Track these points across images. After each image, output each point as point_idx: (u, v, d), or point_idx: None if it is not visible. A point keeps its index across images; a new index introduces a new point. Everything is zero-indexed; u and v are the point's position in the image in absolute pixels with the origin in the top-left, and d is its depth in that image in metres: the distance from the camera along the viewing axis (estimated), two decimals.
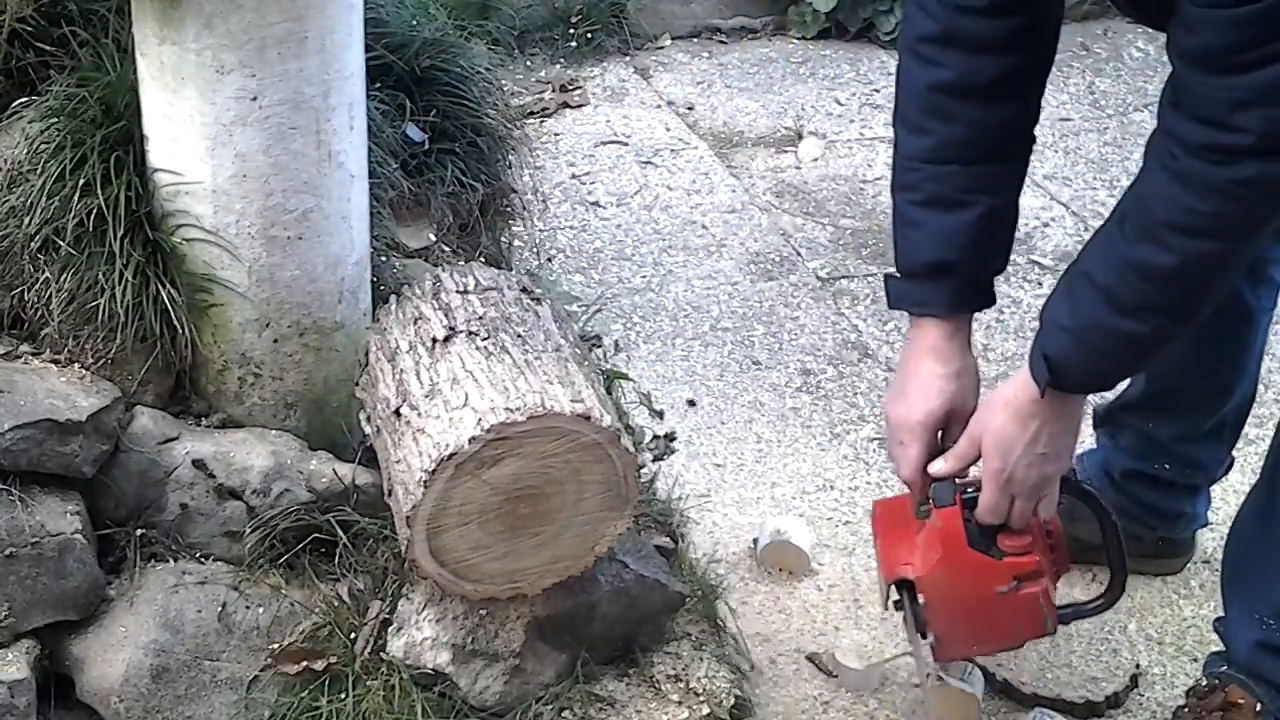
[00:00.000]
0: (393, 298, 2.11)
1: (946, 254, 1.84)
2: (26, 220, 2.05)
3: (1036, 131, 1.91)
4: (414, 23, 2.77)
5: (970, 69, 1.79)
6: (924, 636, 1.96)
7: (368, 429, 2.01)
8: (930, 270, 1.86)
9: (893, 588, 1.99)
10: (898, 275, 1.92)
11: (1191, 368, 2.15)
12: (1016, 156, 1.88)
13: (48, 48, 2.17)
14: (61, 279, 2.04)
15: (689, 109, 4.07)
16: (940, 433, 1.91)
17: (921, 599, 1.93)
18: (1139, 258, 1.63)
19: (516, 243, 3.18)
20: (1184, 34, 1.55)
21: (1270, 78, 1.48)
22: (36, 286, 2.06)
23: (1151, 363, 1.79)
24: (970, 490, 1.88)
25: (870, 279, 3.29)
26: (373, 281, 2.26)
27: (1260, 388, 2.33)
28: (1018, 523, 1.85)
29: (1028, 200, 3.55)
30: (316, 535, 2.09)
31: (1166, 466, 2.28)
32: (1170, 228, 1.59)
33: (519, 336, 1.94)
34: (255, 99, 1.96)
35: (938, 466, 1.89)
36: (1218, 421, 2.26)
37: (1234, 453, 2.35)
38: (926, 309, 1.88)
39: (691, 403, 2.85)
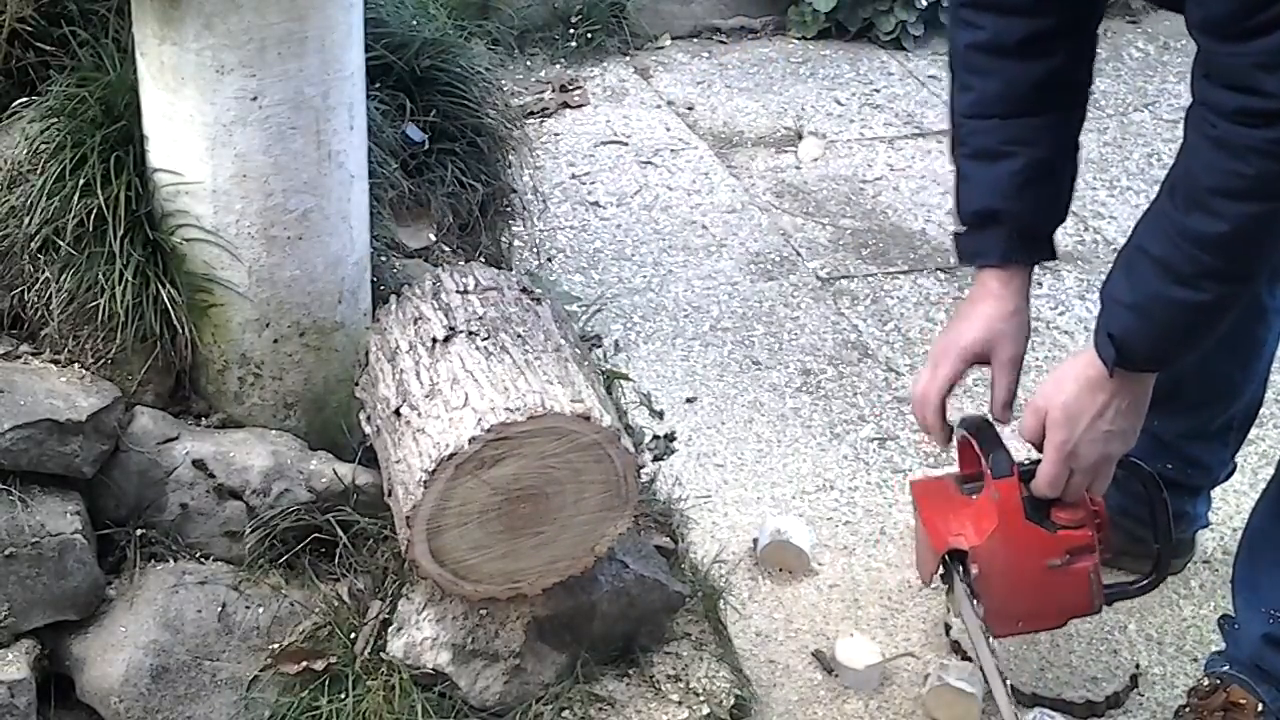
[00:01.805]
0: (393, 298, 2.11)
1: (992, 203, 1.90)
2: (26, 220, 2.04)
3: None
4: (414, 23, 2.77)
5: (1002, 29, 1.85)
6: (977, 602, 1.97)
7: (368, 429, 2.01)
8: (979, 219, 1.92)
9: (942, 561, 2.00)
10: (961, 229, 1.98)
11: (1199, 363, 2.15)
12: (1057, 110, 1.91)
13: (48, 48, 2.16)
14: (61, 279, 2.04)
15: (689, 109, 4.07)
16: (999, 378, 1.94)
17: (975, 569, 1.94)
18: (1191, 227, 1.66)
19: (516, 243, 3.18)
20: (1194, 6, 1.59)
21: None
22: (36, 286, 2.06)
23: (1213, 333, 1.79)
24: (1026, 463, 1.90)
25: (870, 279, 3.29)
26: (373, 281, 2.26)
27: None
28: (1071, 497, 1.88)
29: None
30: (316, 535, 2.08)
31: (1169, 466, 2.27)
32: (1218, 193, 1.62)
33: (519, 336, 1.94)
34: (255, 99, 1.96)
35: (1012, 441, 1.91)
36: (1224, 422, 2.26)
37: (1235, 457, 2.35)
38: (982, 259, 1.94)
39: (691, 401, 2.85)
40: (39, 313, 2.08)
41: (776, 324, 3.12)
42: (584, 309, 3.06)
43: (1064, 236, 3.43)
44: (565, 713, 2.00)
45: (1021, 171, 1.88)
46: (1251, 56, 1.54)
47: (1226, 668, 2.11)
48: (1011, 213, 1.90)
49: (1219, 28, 1.56)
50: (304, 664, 2.01)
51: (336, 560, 2.08)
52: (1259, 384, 2.26)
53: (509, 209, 3.00)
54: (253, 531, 2.06)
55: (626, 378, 2.86)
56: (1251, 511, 2.10)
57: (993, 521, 1.92)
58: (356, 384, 2.07)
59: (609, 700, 2.04)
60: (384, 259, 2.41)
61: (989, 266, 1.93)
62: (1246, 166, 1.59)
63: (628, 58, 4.33)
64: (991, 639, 2.00)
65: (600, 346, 2.97)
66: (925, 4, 4.39)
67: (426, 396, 1.86)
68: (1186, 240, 1.67)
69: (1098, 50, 1.93)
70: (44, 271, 2.05)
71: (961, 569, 1.98)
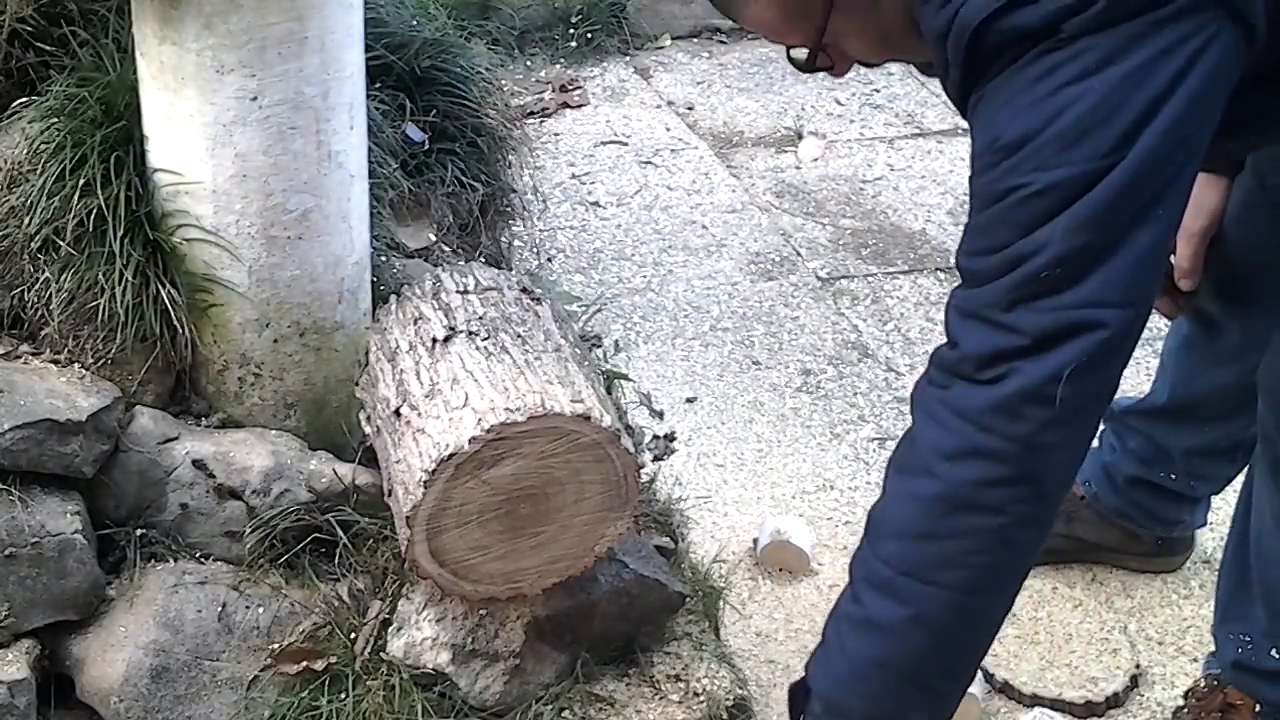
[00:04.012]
0: (393, 298, 2.11)
1: None
2: (26, 220, 2.04)
3: None
4: (414, 23, 2.77)
5: None
6: None
7: (368, 429, 2.01)
8: None
9: None
10: None
11: (1231, 385, 2.07)
12: None
13: (48, 48, 2.17)
14: (61, 279, 2.04)
15: (689, 109, 4.07)
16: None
17: None
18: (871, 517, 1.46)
19: (516, 243, 3.18)
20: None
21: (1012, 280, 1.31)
22: (36, 286, 2.06)
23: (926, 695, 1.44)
24: None
25: (870, 279, 3.29)
26: (373, 281, 2.26)
27: None
28: None
29: None
30: (316, 535, 2.08)
31: (1172, 476, 2.25)
32: (902, 470, 1.44)
33: (519, 336, 1.94)
34: (255, 99, 1.96)
35: None
36: (1235, 441, 2.18)
37: None
38: None
39: (691, 401, 2.85)
40: (39, 313, 2.08)
41: (776, 324, 3.12)
42: (584, 309, 3.06)
43: None
44: (565, 713, 2.00)
45: None
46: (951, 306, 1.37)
47: (1223, 670, 2.10)
48: None
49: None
50: (304, 664, 2.01)
51: (336, 560, 2.08)
52: None
53: (509, 209, 3.01)
54: (253, 531, 2.06)
55: (626, 378, 2.86)
56: (1225, 541, 2.08)
57: None
58: (356, 384, 2.07)
59: (609, 700, 2.04)
60: (384, 259, 2.41)
61: None
62: (905, 439, 1.42)
63: (628, 58, 4.33)
64: None
65: (600, 346, 2.98)
66: None
67: (426, 396, 1.86)
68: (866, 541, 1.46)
69: None
70: (44, 271, 2.05)
71: None
